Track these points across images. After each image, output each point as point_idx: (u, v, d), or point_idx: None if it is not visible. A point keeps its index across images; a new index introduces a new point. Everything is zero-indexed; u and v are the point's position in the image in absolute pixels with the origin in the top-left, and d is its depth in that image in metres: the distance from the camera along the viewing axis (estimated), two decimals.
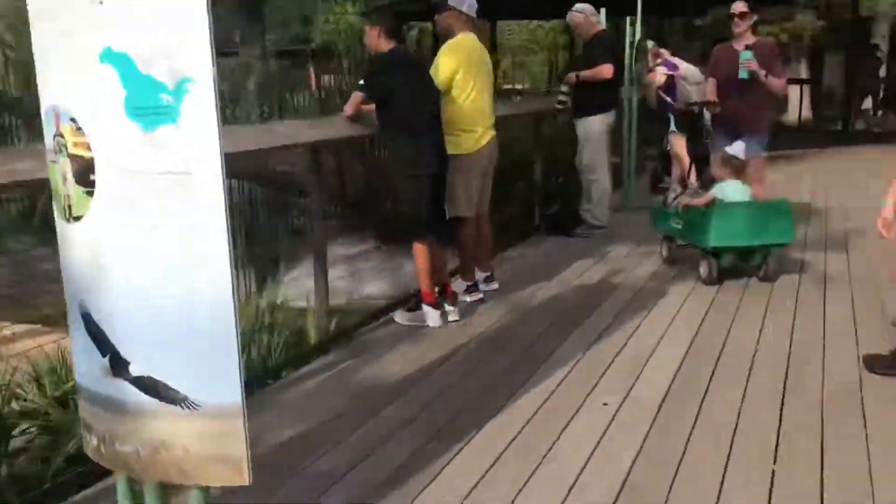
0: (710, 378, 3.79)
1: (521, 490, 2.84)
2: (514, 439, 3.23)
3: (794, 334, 4.38)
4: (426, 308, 4.55)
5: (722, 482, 2.84)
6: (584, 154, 7.03)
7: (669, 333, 4.46)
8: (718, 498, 2.74)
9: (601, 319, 4.73)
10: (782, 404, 3.47)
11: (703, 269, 5.39)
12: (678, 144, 6.09)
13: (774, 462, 2.97)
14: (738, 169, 5.34)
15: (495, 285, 5.33)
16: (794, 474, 2.88)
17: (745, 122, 5.73)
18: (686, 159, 5.90)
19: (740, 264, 5.49)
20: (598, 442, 3.19)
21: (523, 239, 7.04)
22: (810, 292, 5.17)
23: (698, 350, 4.18)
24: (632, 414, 3.43)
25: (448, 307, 4.64)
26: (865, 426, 3.21)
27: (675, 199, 5.79)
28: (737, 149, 5.32)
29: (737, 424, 3.30)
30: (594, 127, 6.87)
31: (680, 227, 5.65)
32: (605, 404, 3.52)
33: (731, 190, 5.34)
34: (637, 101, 8.27)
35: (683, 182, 5.85)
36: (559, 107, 6.97)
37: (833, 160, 11.97)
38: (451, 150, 4.70)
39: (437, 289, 4.62)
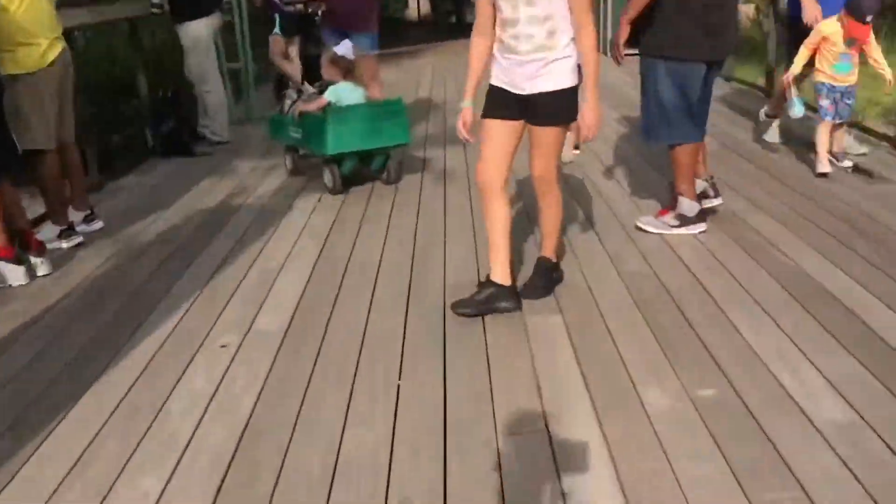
0: (336, 296, 3.62)
1: (125, 465, 2.44)
2: (119, 404, 2.80)
3: (418, 236, 4.37)
4: (3, 265, 3.80)
5: (348, 408, 2.68)
6: (190, 63, 6.41)
7: (295, 252, 4.22)
8: (344, 427, 2.58)
9: (222, 246, 4.35)
10: (406, 313, 3.41)
11: (326, 179, 5.21)
12: (277, 48, 5.71)
13: (400, 377, 2.88)
14: (347, 69, 5.15)
15: (98, 224, 4.67)
16: (419, 388, 2.80)
17: (351, 19, 5.54)
18: (286, 63, 5.59)
19: (364, 169, 5.39)
20: (217, 389, 2.86)
21: (135, 165, 6.32)
22: (432, 191, 5.23)
23: (324, 267, 4.00)
24: (254, 350, 3.15)
25: (34, 259, 3.93)
26: (484, 330, 3.21)
27: (290, 106, 5.48)
28: (344, 48, 5.11)
29: (363, 341, 3.17)
30: (197, 32, 6.25)
31: (299, 135, 5.38)
32: (222, 347, 3.18)
33: (344, 93, 5.15)
34: (245, 1, 7.74)
35: (298, 88, 5.55)
36: (155, 11, 6.23)
37: (449, 53, 12.48)
38: (9, 70, 3.91)
39: (16, 240, 3.88)
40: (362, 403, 2.72)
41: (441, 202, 4.96)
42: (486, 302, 3.27)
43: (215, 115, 6.64)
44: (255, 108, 7.97)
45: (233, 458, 2.45)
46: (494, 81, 3.24)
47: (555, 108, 3.18)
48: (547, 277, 3.51)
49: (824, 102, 4.96)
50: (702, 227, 4.08)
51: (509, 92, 3.20)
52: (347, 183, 5.31)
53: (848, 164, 5.08)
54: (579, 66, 3.19)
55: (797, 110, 5.08)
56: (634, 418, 2.52)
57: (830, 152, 5.04)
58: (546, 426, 2.50)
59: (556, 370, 2.85)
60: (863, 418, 2.43)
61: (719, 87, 8.20)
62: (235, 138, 6.94)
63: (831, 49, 4.89)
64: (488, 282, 3.31)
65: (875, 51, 4.88)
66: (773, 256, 3.75)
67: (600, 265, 3.79)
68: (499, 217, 3.27)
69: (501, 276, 3.29)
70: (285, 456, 2.45)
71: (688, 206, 4.05)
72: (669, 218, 4.10)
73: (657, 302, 3.35)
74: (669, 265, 3.73)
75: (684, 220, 4.06)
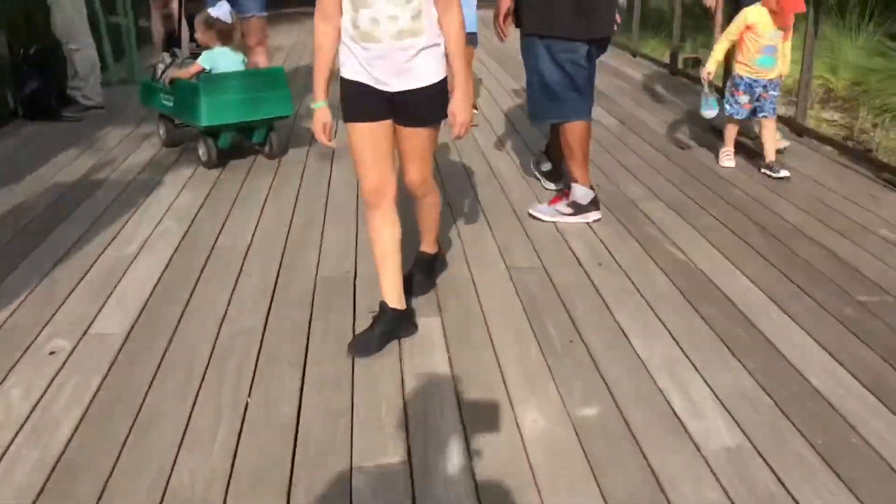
0: (193, 290, 3.23)
1: None
2: None
3: (295, 219, 4.01)
4: None
5: (185, 431, 2.33)
6: (56, 19, 5.81)
7: (155, 236, 3.80)
8: (177, 455, 2.23)
9: (73, 229, 3.89)
10: (269, 311, 3.05)
11: (201, 151, 4.77)
12: (156, 1, 5.24)
13: (250, 392, 2.54)
14: (225, 33, 4.69)
15: None
16: (270, 404, 2.46)
17: None
18: (157, 21, 5.11)
19: (244, 141, 4.97)
20: (34, 408, 2.46)
21: None
22: (317, 167, 4.86)
23: (186, 254, 3.60)
24: (87, 357, 2.75)
25: None
26: (353, 332, 2.88)
27: (163, 71, 4.99)
28: (220, 10, 4.64)
29: (214, 346, 2.81)
30: None
31: (171, 104, 4.90)
32: (51, 353, 2.77)
33: (221, 59, 4.69)
34: None
35: (171, 50, 5.06)
36: None
37: None
38: None
39: None
40: (202, 425, 2.37)
41: (325, 181, 4.60)
42: (387, 335, 2.79)
43: (86, 77, 6.07)
44: (138, 69, 7.39)
45: (38, 497, 2.08)
46: (350, 76, 2.63)
47: (428, 106, 2.70)
48: (428, 271, 3.22)
49: (742, 99, 4.49)
50: (596, 215, 3.85)
51: (372, 88, 2.62)
52: (225, 156, 4.88)
53: (785, 174, 4.47)
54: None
55: (709, 111, 4.59)
56: (508, 445, 2.25)
57: (768, 164, 4.53)
58: (408, 455, 2.21)
59: (428, 385, 2.55)
60: (751, 442, 2.23)
61: (624, 64, 8.06)
62: (111, 102, 6.38)
63: (755, 40, 4.36)
64: (386, 309, 2.81)
65: (789, 40, 4.44)
66: (668, 251, 3.54)
67: (488, 258, 3.51)
68: (390, 236, 2.77)
69: (398, 300, 2.82)
70: (102, 492, 2.09)
71: (581, 193, 3.80)
72: (562, 205, 3.85)
73: (543, 302, 3.09)
74: (560, 259, 3.48)
75: (578, 209, 3.82)
